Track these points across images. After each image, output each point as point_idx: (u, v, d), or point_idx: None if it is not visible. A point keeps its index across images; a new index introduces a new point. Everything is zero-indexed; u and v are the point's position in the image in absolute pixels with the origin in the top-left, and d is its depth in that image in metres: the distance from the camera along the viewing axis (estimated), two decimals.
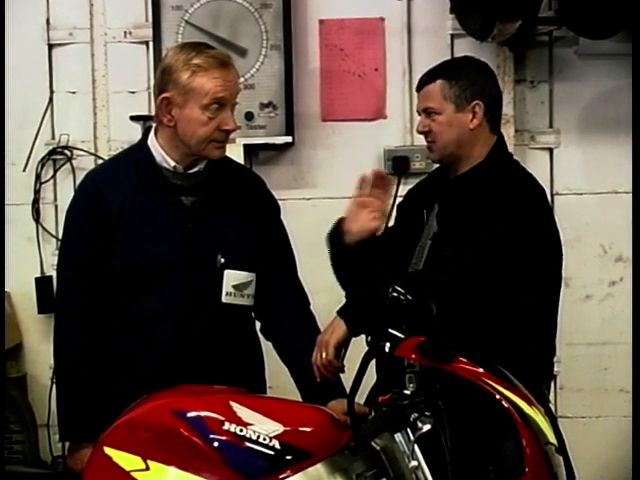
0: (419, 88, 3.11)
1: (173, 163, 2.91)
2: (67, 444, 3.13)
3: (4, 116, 4.47)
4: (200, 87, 2.80)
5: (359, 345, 2.90)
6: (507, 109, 4.26)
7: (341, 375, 2.76)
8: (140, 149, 2.98)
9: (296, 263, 3.11)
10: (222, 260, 2.91)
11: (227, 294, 2.92)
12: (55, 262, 4.46)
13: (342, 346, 2.65)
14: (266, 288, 2.99)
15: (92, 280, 2.91)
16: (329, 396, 2.76)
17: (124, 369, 2.92)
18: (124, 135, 4.49)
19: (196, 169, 2.93)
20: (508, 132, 4.30)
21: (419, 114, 3.13)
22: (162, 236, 2.88)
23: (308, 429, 2.44)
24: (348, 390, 2.49)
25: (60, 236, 4.47)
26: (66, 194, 4.50)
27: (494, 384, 2.35)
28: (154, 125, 2.98)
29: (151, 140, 2.94)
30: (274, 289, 3.01)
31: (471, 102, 3.01)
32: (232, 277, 2.92)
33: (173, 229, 2.89)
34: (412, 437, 2.35)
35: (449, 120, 3.03)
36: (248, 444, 2.35)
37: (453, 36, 4.47)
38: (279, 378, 3.11)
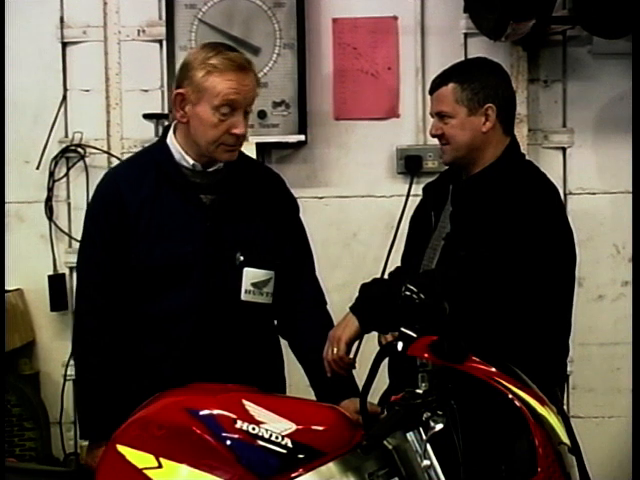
0: (432, 91, 3.11)
1: (192, 161, 2.90)
2: (82, 441, 3.13)
3: (4, 116, 4.49)
4: (212, 87, 2.79)
5: (372, 343, 2.91)
6: (520, 108, 4.26)
7: (355, 372, 2.76)
8: (159, 148, 2.98)
9: (314, 261, 3.11)
10: (241, 258, 2.90)
11: (246, 292, 2.92)
12: (68, 260, 4.54)
13: (354, 342, 2.66)
14: (284, 286, 2.99)
15: (111, 280, 2.91)
16: (343, 395, 2.75)
17: (145, 369, 2.92)
18: (137, 133, 4.51)
19: (215, 167, 2.92)
20: (521, 131, 4.31)
21: (432, 117, 3.13)
22: (182, 235, 2.88)
23: (320, 428, 2.43)
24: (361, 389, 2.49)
25: (73, 234, 4.53)
26: (79, 192, 4.53)
27: (506, 383, 2.35)
28: (173, 123, 2.98)
29: (170, 138, 2.94)
30: (292, 287, 3.01)
31: (484, 105, 3.01)
32: (251, 275, 2.92)
33: (193, 228, 2.89)
34: (424, 436, 2.34)
35: (462, 123, 3.02)
36: (260, 442, 2.35)
37: (467, 35, 4.47)
38: (293, 376, 3.11)
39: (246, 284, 2.91)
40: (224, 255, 2.90)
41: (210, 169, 2.92)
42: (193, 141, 2.87)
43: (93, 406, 2.92)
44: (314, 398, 2.89)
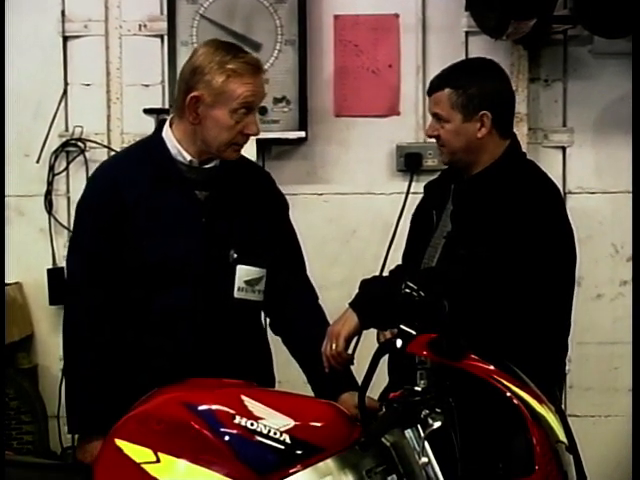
0: (429, 92, 3.10)
1: (189, 157, 2.89)
2: (77, 436, 3.12)
3: (4, 109, 4.49)
4: (232, 91, 2.79)
5: (371, 340, 2.91)
6: (521, 107, 4.26)
7: (353, 369, 2.76)
8: (155, 142, 2.96)
9: (304, 259, 3.12)
10: (235, 255, 2.91)
11: (239, 289, 2.92)
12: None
13: (352, 338, 2.66)
14: (276, 284, 2.99)
15: (106, 272, 2.88)
16: (340, 389, 2.76)
17: (140, 365, 2.89)
18: (137, 128, 4.51)
19: (212, 164, 2.92)
20: (521, 130, 4.31)
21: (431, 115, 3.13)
22: (178, 231, 2.87)
23: (319, 424, 2.44)
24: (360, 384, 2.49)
25: (72, 228, 4.51)
26: (79, 186, 4.49)
27: (505, 381, 2.35)
28: (169, 118, 2.98)
29: (166, 133, 2.93)
30: (283, 285, 3.01)
31: (479, 112, 2.99)
32: (244, 272, 2.92)
33: (188, 224, 2.88)
34: (422, 433, 2.35)
35: (457, 129, 3.01)
36: (258, 438, 2.35)
37: (468, 33, 4.47)
38: (288, 372, 3.11)
39: (239, 282, 2.91)
40: (218, 252, 2.89)
41: (207, 165, 2.92)
42: (200, 140, 2.87)
43: (82, 400, 2.89)
44: (310, 393, 2.89)
